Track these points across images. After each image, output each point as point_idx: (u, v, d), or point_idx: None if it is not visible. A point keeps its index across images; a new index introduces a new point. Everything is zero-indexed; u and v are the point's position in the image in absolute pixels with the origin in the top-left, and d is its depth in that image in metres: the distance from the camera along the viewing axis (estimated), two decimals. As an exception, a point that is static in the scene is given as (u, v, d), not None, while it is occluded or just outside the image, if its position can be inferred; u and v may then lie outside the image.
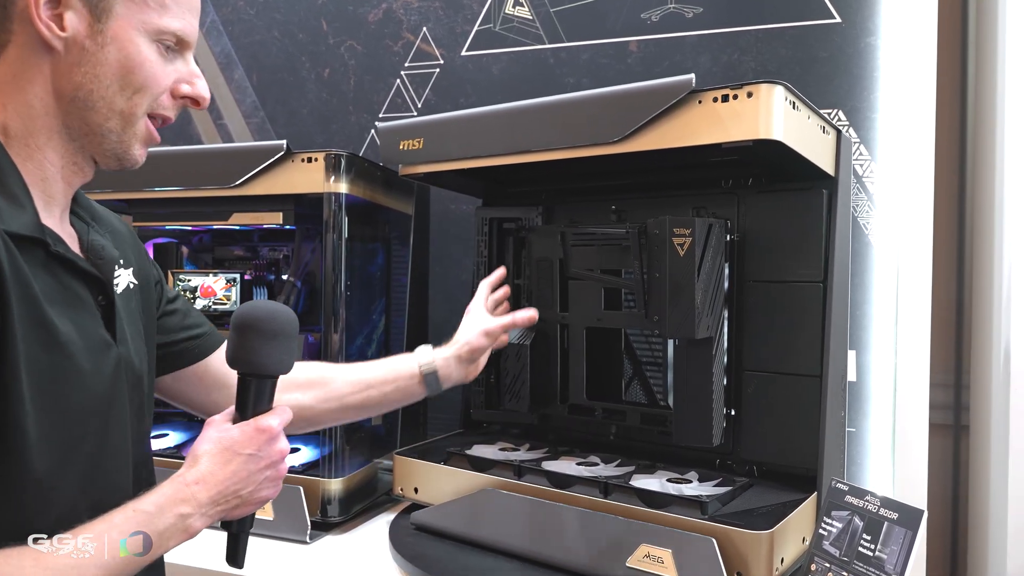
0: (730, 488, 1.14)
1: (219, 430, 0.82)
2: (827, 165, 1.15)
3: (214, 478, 0.78)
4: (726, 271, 1.20)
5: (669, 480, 1.18)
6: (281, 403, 0.87)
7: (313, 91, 1.95)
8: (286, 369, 0.85)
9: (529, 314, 1.24)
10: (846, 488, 1.00)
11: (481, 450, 1.35)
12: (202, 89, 0.84)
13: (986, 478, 1.52)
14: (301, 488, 1.33)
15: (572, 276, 1.37)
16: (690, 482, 1.18)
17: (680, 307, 1.12)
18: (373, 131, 1.87)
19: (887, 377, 1.45)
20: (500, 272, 1.33)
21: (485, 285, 1.29)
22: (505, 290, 1.33)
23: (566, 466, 1.25)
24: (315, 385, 1.10)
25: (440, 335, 1.71)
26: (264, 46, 2.00)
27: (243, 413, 0.84)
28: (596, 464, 1.28)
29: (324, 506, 1.36)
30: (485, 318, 1.23)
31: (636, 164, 1.21)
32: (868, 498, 0.97)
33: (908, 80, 1.44)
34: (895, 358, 1.43)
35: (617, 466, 1.27)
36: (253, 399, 0.84)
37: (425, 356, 1.18)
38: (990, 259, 1.49)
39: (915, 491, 1.41)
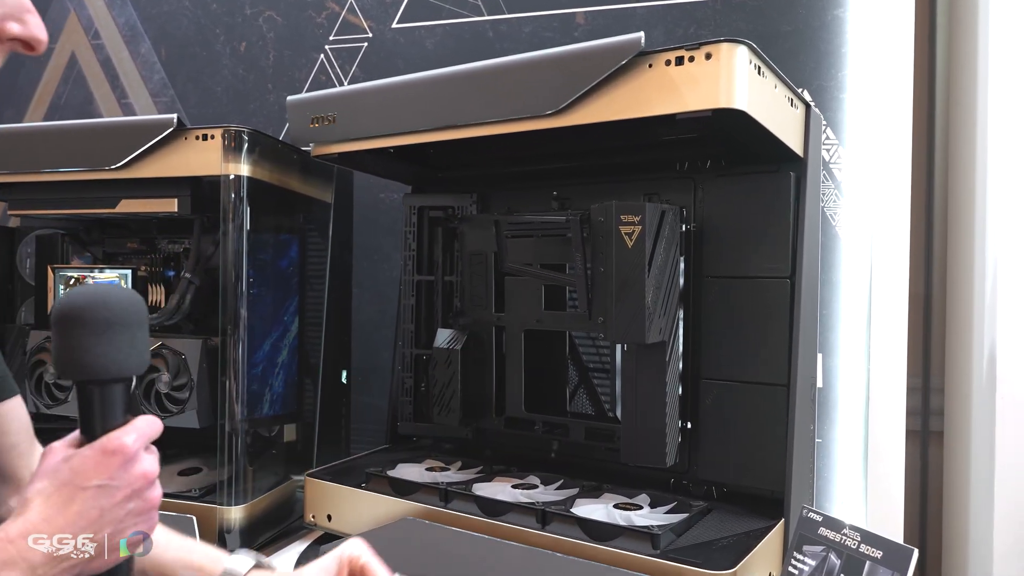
0: (686, 515, 1.01)
1: (56, 461, 0.63)
2: (795, 144, 1.01)
3: (51, 526, 0.60)
4: (681, 265, 1.07)
5: (616, 506, 1.03)
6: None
7: (228, 67, 1.75)
8: (136, 368, 0.65)
9: None
10: (819, 519, 0.86)
11: (405, 471, 1.19)
12: (36, 29, 0.66)
13: (966, 487, 1.41)
14: (194, 518, 1.15)
15: (508, 272, 1.24)
16: (640, 508, 1.04)
17: (628, 307, 0.98)
18: (294, 111, 1.68)
19: (857, 382, 1.32)
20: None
21: (345, 562, 0.82)
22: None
23: (500, 489, 1.10)
24: None
25: (365, 337, 1.56)
26: (173, 17, 1.80)
27: (89, 434, 0.64)
28: (535, 487, 1.12)
29: (222, 536, 1.18)
30: None
31: (579, 142, 1.07)
32: (846, 531, 0.83)
33: (880, 56, 1.33)
34: (867, 362, 1.30)
35: (558, 488, 1.13)
36: (99, 413, 0.64)
37: (240, 567, 0.82)
38: (970, 256, 1.37)
39: (890, 506, 1.30)
